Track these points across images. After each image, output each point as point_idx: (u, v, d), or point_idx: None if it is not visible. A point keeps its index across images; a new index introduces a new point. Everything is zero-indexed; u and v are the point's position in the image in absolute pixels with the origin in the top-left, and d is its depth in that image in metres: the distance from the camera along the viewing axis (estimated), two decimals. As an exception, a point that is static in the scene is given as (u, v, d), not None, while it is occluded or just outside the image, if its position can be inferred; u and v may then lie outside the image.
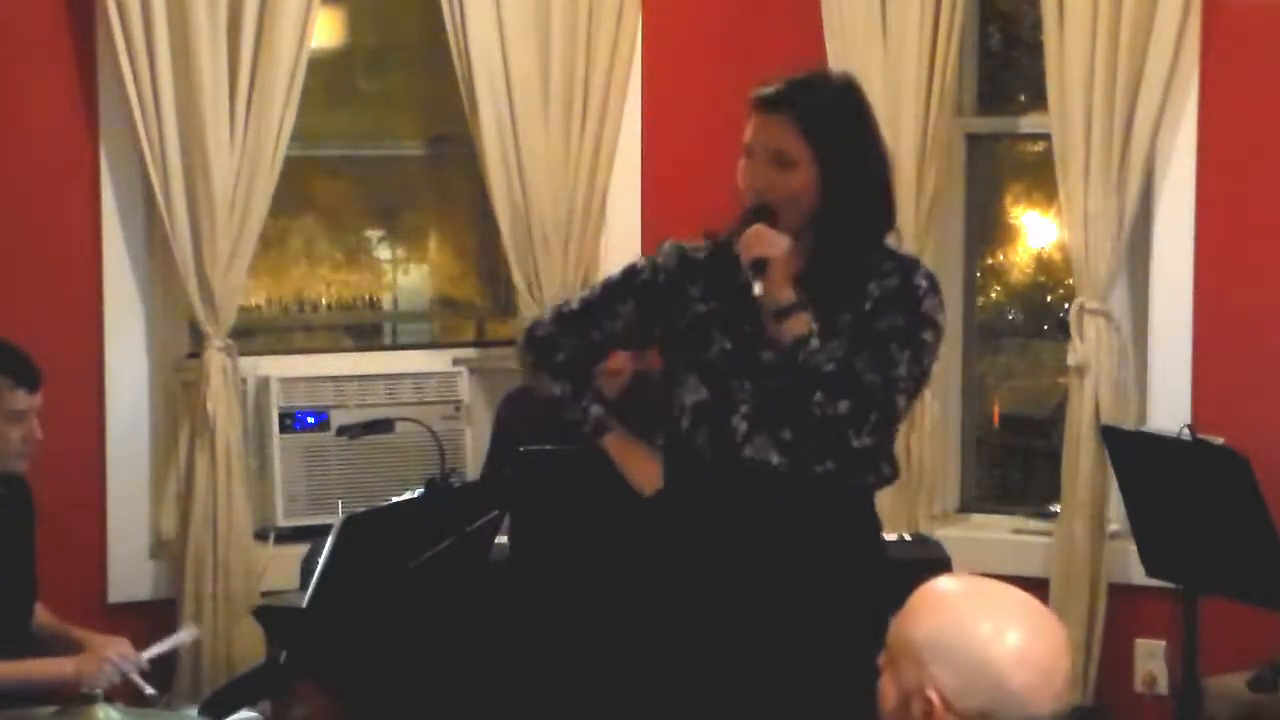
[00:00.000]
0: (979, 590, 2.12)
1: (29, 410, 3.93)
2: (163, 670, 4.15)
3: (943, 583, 2.15)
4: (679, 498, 3.34)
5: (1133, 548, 4.57)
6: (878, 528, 3.38)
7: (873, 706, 3.25)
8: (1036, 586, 2.17)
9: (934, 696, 2.04)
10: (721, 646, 3.26)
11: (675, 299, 3.34)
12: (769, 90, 3.26)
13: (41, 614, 4.09)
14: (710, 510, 3.28)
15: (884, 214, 3.31)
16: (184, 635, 4.28)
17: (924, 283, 3.27)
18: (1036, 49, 5.10)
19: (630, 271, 3.45)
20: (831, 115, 3.25)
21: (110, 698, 3.56)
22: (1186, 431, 4.27)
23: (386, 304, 5.45)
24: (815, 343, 3.17)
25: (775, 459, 3.23)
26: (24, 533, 4.05)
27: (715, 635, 3.26)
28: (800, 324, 3.17)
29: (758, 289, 3.15)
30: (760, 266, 3.16)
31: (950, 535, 5.01)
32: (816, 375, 3.16)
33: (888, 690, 2.11)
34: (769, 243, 3.18)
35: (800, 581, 3.25)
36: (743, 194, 3.27)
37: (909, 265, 3.29)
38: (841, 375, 3.17)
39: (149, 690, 3.89)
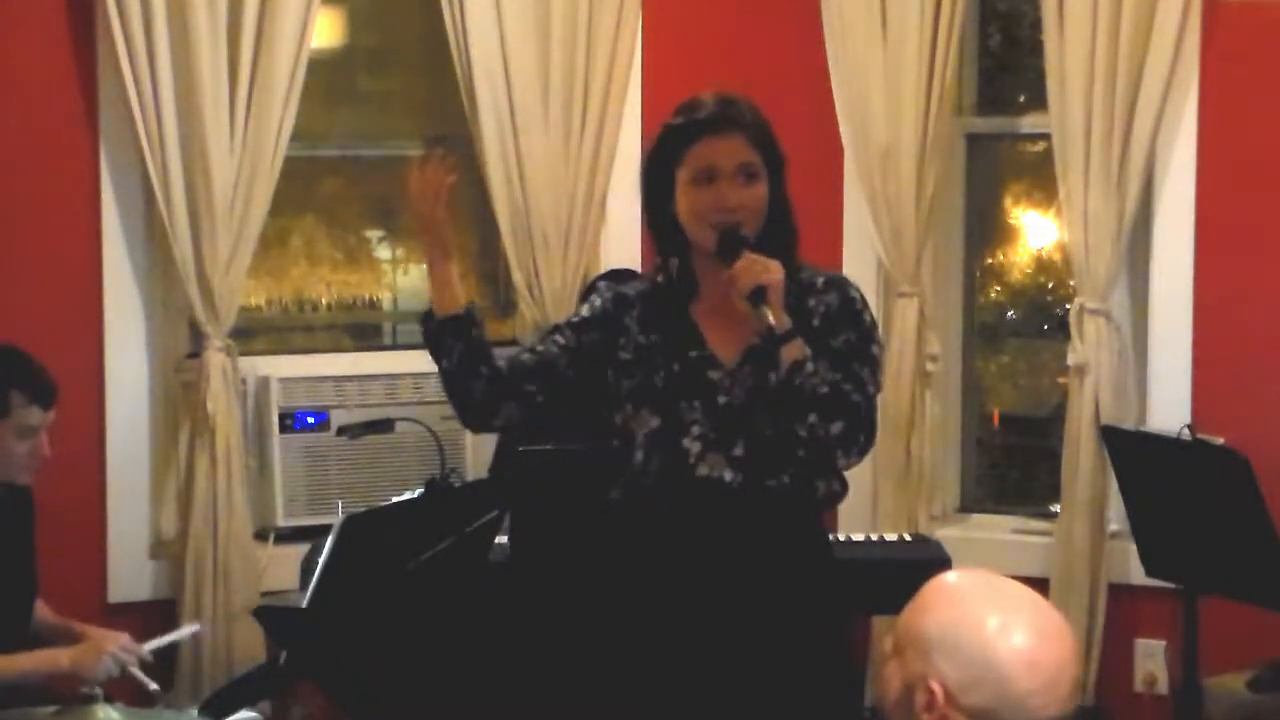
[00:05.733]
0: (991, 588, 2.12)
1: (40, 427, 3.88)
2: (164, 667, 4.14)
3: (956, 576, 2.16)
4: (638, 521, 3.35)
5: (1133, 548, 4.58)
6: (827, 540, 3.44)
7: (826, 715, 3.29)
8: (1036, 586, 2.16)
9: (936, 688, 2.05)
10: (685, 660, 3.28)
11: (616, 333, 3.36)
12: (715, 112, 3.30)
13: (42, 610, 4.08)
14: (667, 531, 3.30)
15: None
16: (187, 630, 4.29)
17: (858, 296, 3.35)
18: (1036, 49, 5.10)
19: (566, 320, 3.47)
20: (767, 129, 3.32)
21: (110, 696, 3.56)
22: (1186, 431, 4.28)
23: (386, 304, 5.45)
24: (811, 366, 3.18)
25: (728, 476, 3.26)
26: (24, 535, 4.05)
27: (678, 651, 3.28)
28: (797, 349, 3.18)
29: (768, 317, 3.15)
30: (761, 294, 3.16)
31: (950, 535, 5.02)
32: (812, 398, 3.17)
33: (893, 679, 2.11)
34: (766, 269, 3.19)
35: (756, 596, 3.27)
36: (703, 219, 3.27)
37: (839, 280, 3.37)
38: (835, 397, 3.19)
39: (152, 685, 3.87)
